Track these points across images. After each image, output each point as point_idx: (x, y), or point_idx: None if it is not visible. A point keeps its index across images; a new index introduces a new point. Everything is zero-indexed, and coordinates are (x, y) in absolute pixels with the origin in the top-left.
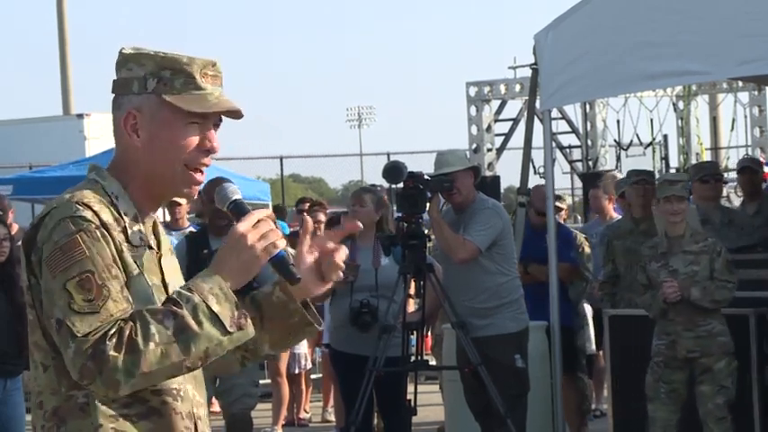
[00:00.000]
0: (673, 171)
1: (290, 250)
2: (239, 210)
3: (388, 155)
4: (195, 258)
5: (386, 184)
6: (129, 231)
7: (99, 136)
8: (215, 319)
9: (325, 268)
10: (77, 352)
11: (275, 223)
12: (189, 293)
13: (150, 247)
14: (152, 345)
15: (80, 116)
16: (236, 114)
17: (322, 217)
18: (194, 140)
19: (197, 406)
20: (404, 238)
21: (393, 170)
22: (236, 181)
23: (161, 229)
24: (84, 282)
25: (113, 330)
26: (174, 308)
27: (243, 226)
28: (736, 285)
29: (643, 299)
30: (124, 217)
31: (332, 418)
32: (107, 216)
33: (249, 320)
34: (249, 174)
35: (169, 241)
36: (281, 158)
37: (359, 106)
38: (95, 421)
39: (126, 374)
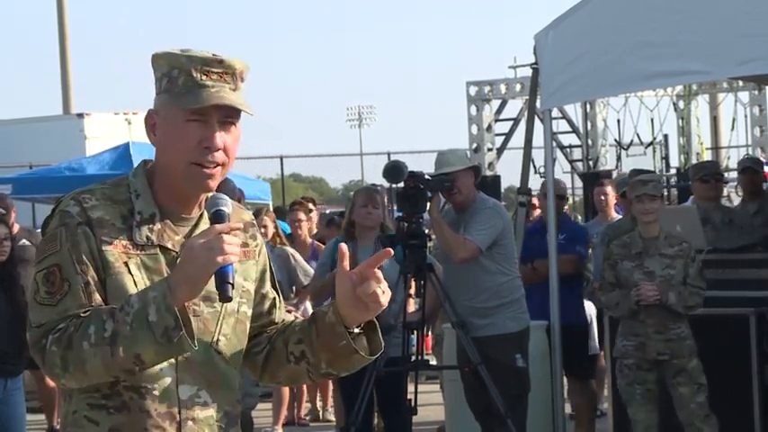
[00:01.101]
0: (673, 171)
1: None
2: (215, 219)
3: (389, 154)
4: None
5: (386, 184)
6: (137, 231)
7: (99, 135)
8: (147, 327)
9: (361, 295)
10: (30, 341)
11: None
12: (135, 299)
13: (164, 248)
14: (85, 344)
15: (80, 116)
16: (229, 110)
17: (302, 216)
18: (195, 137)
19: (193, 408)
20: (404, 237)
21: (393, 170)
22: (237, 180)
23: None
24: (49, 275)
25: (61, 326)
26: (118, 311)
27: (194, 238)
28: (705, 292)
29: (609, 296)
30: (137, 215)
31: (332, 417)
32: (101, 213)
33: (184, 336)
34: (249, 173)
35: None
36: (282, 158)
37: (359, 106)
38: (73, 407)
39: (63, 369)
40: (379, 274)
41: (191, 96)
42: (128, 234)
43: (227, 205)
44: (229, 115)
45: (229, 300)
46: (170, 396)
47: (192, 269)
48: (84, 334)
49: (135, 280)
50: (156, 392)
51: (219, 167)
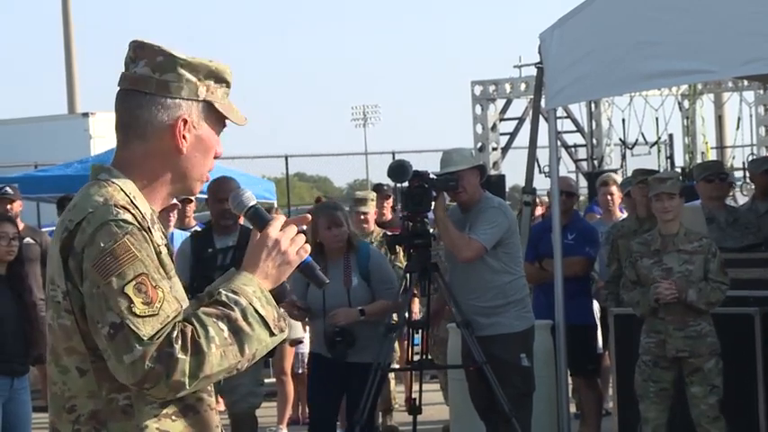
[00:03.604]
0: (678, 170)
1: None
2: (260, 215)
3: (394, 154)
4: (200, 257)
5: (391, 183)
6: (153, 230)
7: (104, 135)
8: (263, 321)
9: None
10: (144, 355)
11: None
12: (235, 296)
13: (167, 246)
14: (213, 347)
15: (85, 115)
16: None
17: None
18: (218, 148)
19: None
20: (409, 237)
21: (398, 169)
22: (241, 180)
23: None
24: (140, 285)
25: (176, 332)
26: (227, 310)
27: (275, 231)
28: (729, 287)
29: (631, 295)
30: (146, 216)
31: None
32: (139, 218)
33: (287, 322)
34: (254, 172)
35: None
36: (287, 157)
37: (364, 105)
38: (140, 422)
39: (191, 377)
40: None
41: (233, 110)
42: (150, 235)
43: (254, 198)
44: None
45: (327, 284)
46: (212, 390)
47: (281, 261)
48: (207, 337)
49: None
50: (210, 387)
51: None
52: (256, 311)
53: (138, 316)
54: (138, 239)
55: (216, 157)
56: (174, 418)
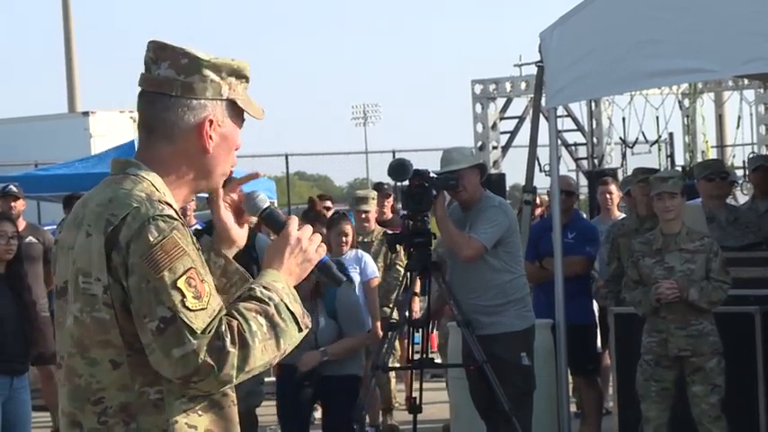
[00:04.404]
0: (678, 169)
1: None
2: (275, 217)
3: (394, 152)
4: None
5: (391, 182)
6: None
7: (104, 133)
8: (293, 317)
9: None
10: (199, 348)
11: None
12: (268, 292)
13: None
14: (257, 341)
15: (85, 114)
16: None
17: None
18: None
19: None
20: (409, 235)
21: (399, 168)
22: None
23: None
24: (190, 279)
25: (223, 326)
26: (264, 306)
27: (296, 231)
28: (730, 286)
29: (632, 295)
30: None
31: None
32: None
33: (311, 318)
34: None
35: None
36: (287, 156)
37: (364, 104)
38: (170, 417)
39: (238, 370)
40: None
41: (252, 105)
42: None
43: (267, 200)
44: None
45: (341, 282)
46: (233, 386)
47: (302, 259)
48: (251, 331)
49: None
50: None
51: None
52: (287, 307)
53: (191, 310)
54: (183, 234)
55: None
56: (200, 413)
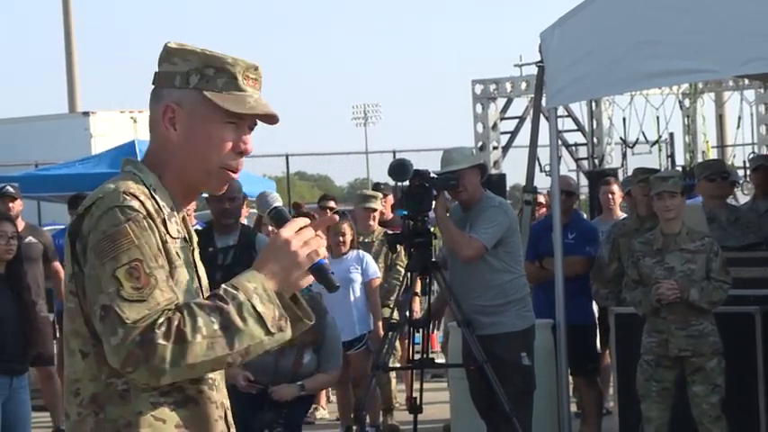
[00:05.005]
0: (678, 169)
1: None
2: (280, 216)
3: (394, 153)
4: (200, 256)
5: (392, 182)
6: (169, 223)
7: (104, 134)
8: (259, 318)
9: None
10: (125, 338)
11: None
12: (234, 291)
13: (186, 240)
14: (199, 337)
15: (86, 114)
16: (271, 119)
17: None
18: (229, 141)
19: (225, 397)
20: (410, 236)
21: (399, 168)
22: (242, 179)
23: (190, 222)
24: (133, 270)
25: (162, 319)
26: (221, 303)
27: (286, 232)
28: (731, 286)
29: (633, 295)
30: (163, 209)
31: (326, 415)
32: (150, 207)
33: (289, 323)
34: (255, 171)
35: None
36: (287, 156)
37: (365, 104)
38: (135, 408)
39: (171, 364)
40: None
41: (237, 100)
42: (165, 227)
43: (280, 200)
44: (256, 122)
45: (337, 288)
46: (221, 386)
47: (290, 262)
48: (195, 327)
49: (188, 272)
50: (217, 383)
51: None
52: (254, 308)
53: (126, 300)
54: (140, 227)
55: (243, 154)
56: (173, 407)
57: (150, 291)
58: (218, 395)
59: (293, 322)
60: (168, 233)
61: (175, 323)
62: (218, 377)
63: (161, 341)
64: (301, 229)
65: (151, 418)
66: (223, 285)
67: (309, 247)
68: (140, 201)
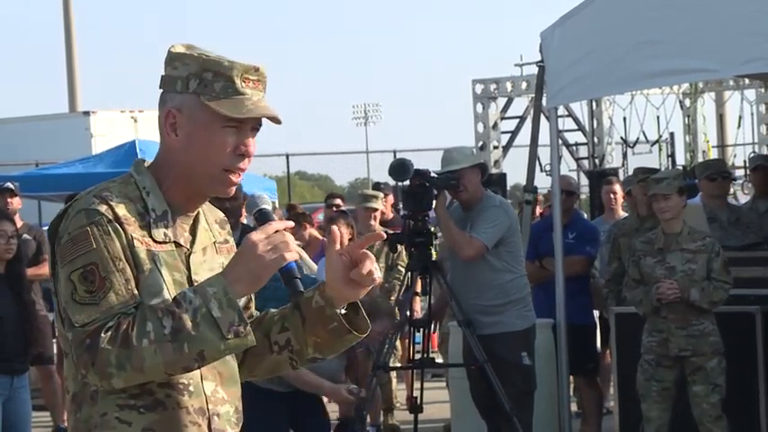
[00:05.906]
0: (679, 168)
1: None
2: (262, 218)
3: (395, 152)
4: None
5: (392, 182)
6: (154, 228)
7: (105, 133)
8: (213, 323)
9: (356, 276)
10: (74, 341)
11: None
12: (192, 295)
13: (178, 244)
14: (145, 342)
15: (86, 113)
16: (272, 120)
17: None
18: (230, 144)
19: (216, 403)
20: (410, 235)
21: (399, 167)
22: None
23: (205, 226)
24: (87, 273)
25: (111, 323)
26: (175, 308)
27: (255, 235)
28: (732, 286)
29: (633, 294)
30: (152, 212)
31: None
32: (124, 211)
33: (249, 329)
34: (255, 171)
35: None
36: (288, 156)
37: (365, 104)
38: (101, 409)
39: (118, 368)
40: (369, 252)
41: (235, 104)
42: (147, 231)
43: (269, 203)
44: (260, 123)
45: (302, 294)
46: (200, 392)
47: (256, 265)
48: (143, 332)
49: (163, 276)
50: (192, 388)
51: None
52: (210, 313)
53: (77, 303)
54: (103, 231)
55: (245, 156)
56: (141, 410)
57: (104, 294)
58: (194, 400)
59: (343, 333)
60: (152, 237)
61: (123, 327)
62: (205, 383)
63: (105, 345)
64: (275, 232)
65: (116, 421)
66: (184, 289)
67: (276, 251)
68: (109, 204)
